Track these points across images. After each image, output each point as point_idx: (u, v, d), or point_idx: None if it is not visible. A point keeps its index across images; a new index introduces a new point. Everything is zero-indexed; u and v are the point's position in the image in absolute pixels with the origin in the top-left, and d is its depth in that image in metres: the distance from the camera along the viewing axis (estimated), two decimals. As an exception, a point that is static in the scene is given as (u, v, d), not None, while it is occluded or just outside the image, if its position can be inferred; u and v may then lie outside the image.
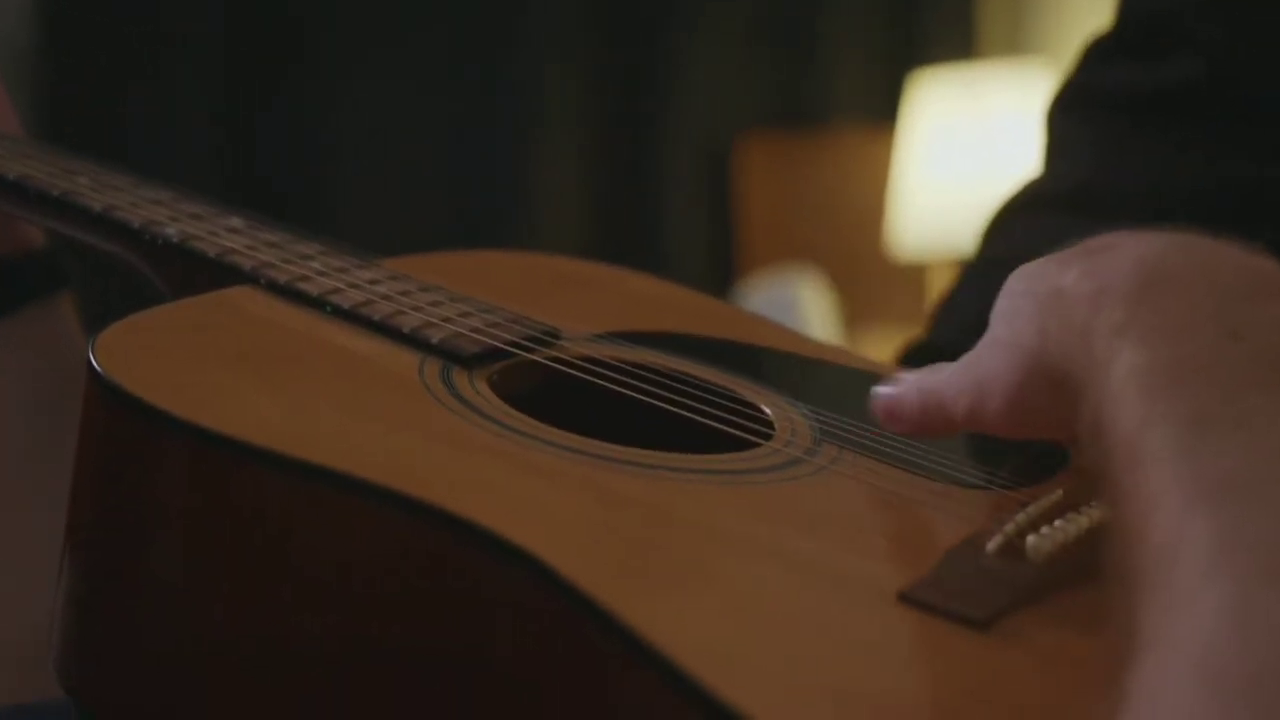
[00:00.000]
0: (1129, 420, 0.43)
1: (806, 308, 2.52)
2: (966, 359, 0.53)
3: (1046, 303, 0.49)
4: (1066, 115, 0.86)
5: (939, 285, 2.79)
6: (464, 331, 0.59)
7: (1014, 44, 3.01)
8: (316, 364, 0.57)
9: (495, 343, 0.59)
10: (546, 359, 0.59)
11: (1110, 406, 0.44)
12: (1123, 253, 0.48)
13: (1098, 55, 0.86)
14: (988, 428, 0.52)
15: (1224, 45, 0.82)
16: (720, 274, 2.82)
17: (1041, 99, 2.90)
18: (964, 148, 2.66)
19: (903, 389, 0.55)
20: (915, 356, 0.84)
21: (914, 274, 2.82)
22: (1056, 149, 0.86)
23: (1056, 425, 0.50)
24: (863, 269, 2.82)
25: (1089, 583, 0.46)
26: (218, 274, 0.63)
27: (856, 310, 2.75)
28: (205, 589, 0.50)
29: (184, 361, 0.55)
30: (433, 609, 0.47)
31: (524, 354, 0.59)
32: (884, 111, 2.95)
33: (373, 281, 0.62)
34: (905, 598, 0.46)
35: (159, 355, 0.55)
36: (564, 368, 0.59)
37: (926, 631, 0.45)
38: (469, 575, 0.46)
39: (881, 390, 0.55)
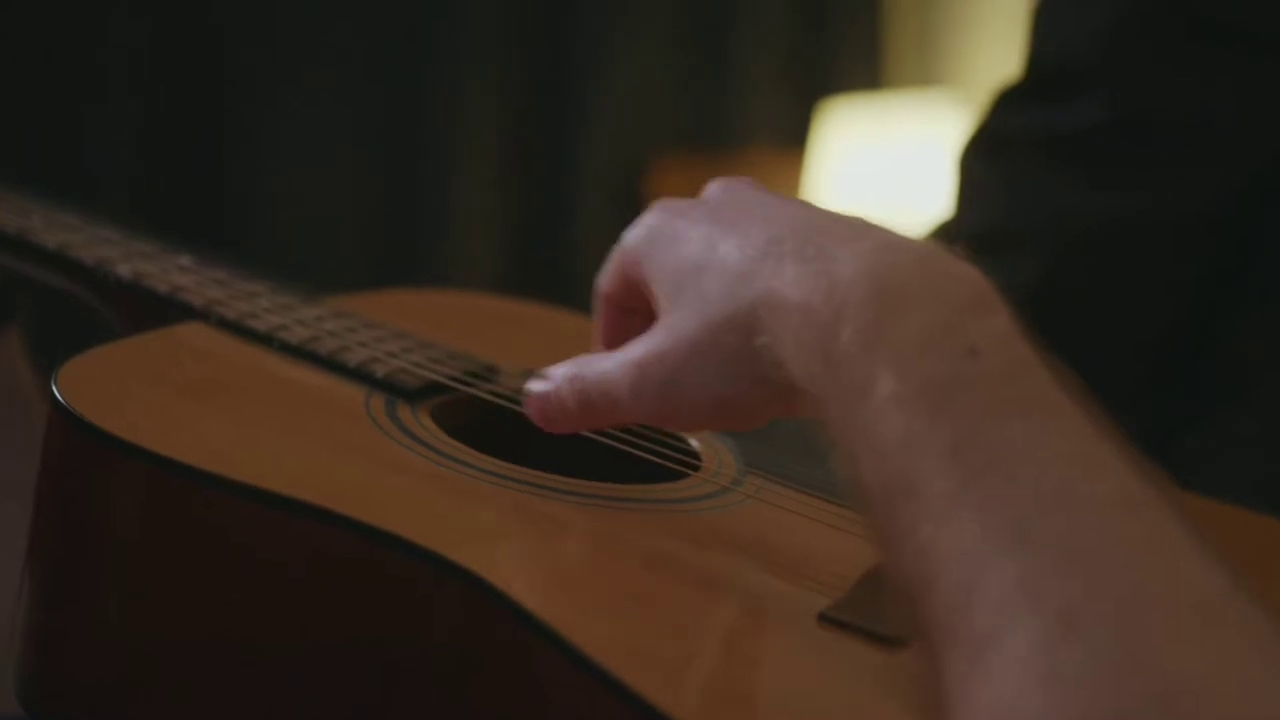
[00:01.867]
0: (886, 452, 0.42)
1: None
2: (642, 342, 0.52)
3: (766, 315, 0.48)
4: (977, 158, 0.90)
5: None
6: (407, 366, 0.62)
7: (921, 75, 3.07)
8: (266, 396, 0.60)
9: (437, 377, 0.62)
10: (486, 393, 0.63)
11: (864, 435, 0.43)
12: (845, 264, 0.46)
13: (1007, 101, 0.90)
14: (644, 410, 0.53)
15: (1124, 91, 0.87)
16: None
17: (949, 130, 2.97)
18: (872, 175, 2.72)
19: (555, 386, 0.54)
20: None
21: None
22: (968, 190, 0.91)
23: (717, 410, 0.51)
24: (773, 293, 2.87)
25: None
26: (169, 310, 0.66)
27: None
28: (161, 608, 0.53)
29: (140, 393, 0.58)
30: (378, 626, 0.50)
31: (464, 389, 0.63)
32: (794, 137, 3.00)
33: (318, 319, 0.65)
34: (824, 617, 0.50)
35: (117, 387, 0.57)
36: (503, 402, 0.62)
37: (842, 648, 0.49)
38: (410, 593, 0.49)
39: (533, 387, 0.55)
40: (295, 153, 2.70)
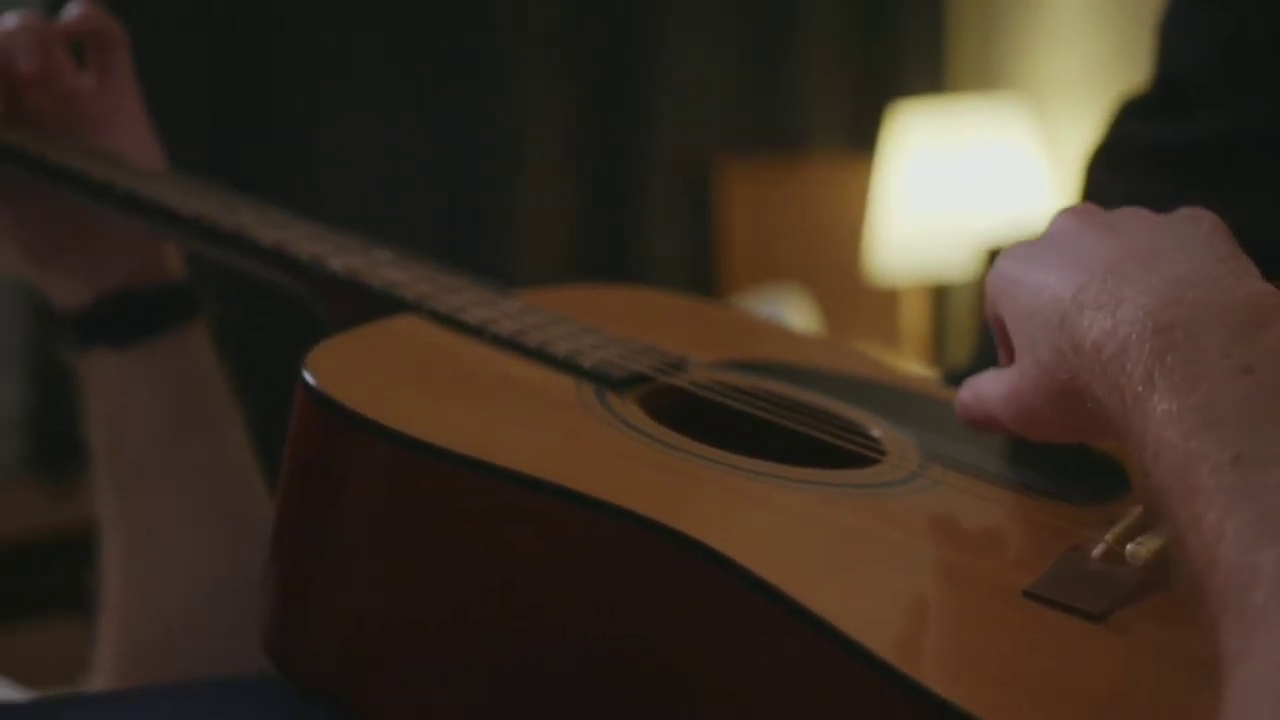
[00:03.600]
0: (1173, 462, 0.49)
1: (791, 325, 2.61)
2: (1009, 375, 0.60)
3: (1074, 358, 0.55)
4: (1101, 167, 0.94)
5: (912, 308, 2.88)
6: (610, 358, 0.67)
7: (984, 79, 3.11)
8: (486, 384, 0.65)
9: (639, 369, 0.67)
10: (686, 384, 0.67)
11: (1153, 450, 0.50)
12: (1129, 305, 0.53)
13: (1130, 112, 0.94)
14: (1017, 430, 0.61)
15: (1241, 107, 0.91)
16: (700, 294, 2.89)
17: (1012, 133, 3.00)
18: (938, 178, 2.75)
19: (965, 394, 0.63)
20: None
21: (889, 297, 2.91)
22: (1091, 198, 0.94)
23: (1070, 434, 0.60)
24: (839, 291, 2.91)
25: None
26: (377, 302, 0.70)
27: (833, 330, 2.84)
28: (402, 577, 0.57)
29: (381, 378, 0.62)
30: (614, 605, 0.54)
31: (665, 379, 0.67)
32: (857, 140, 3.03)
33: (520, 312, 0.70)
34: (1029, 594, 0.54)
35: (360, 373, 0.62)
36: (701, 392, 0.67)
37: (1052, 623, 0.53)
38: (649, 572, 0.54)
39: (959, 393, 0.64)
40: (358, 149, 2.72)
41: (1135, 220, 0.58)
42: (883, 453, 0.65)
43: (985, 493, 0.62)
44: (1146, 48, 0.97)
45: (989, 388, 0.62)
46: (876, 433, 0.67)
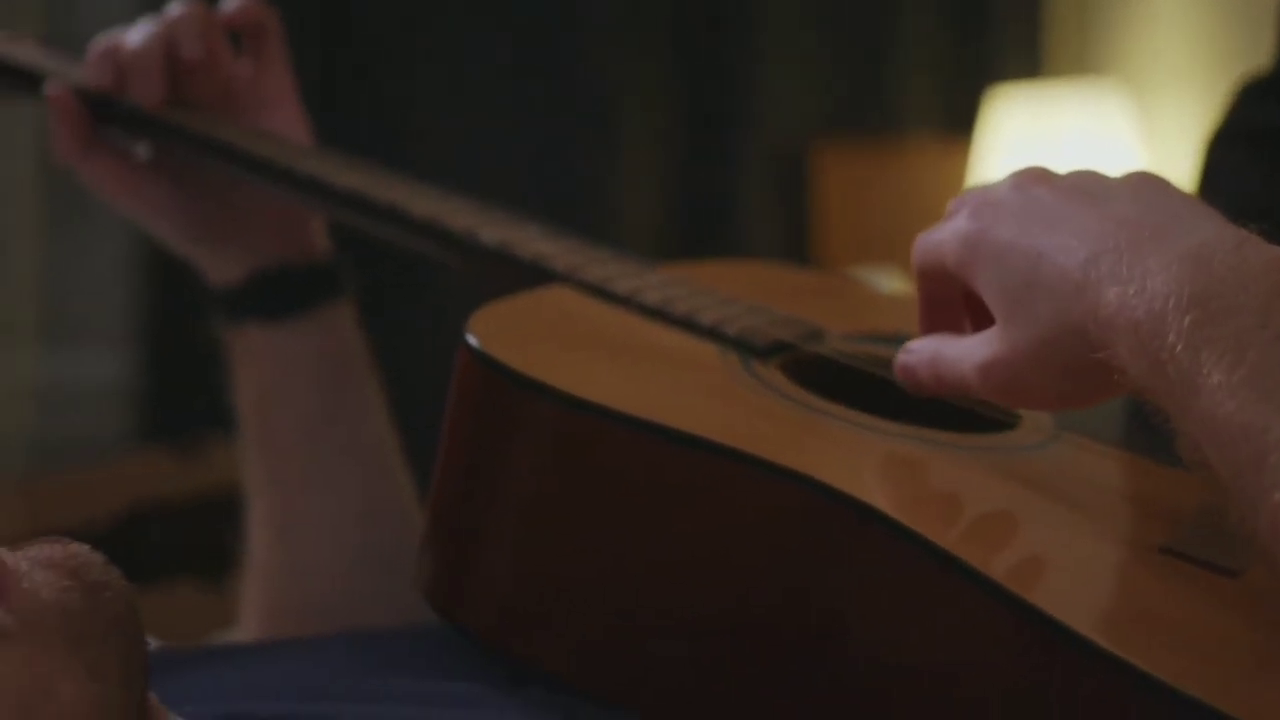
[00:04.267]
0: (1232, 436, 0.48)
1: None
2: (987, 343, 0.58)
3: (1099, 334, 0.53)
4: (1221, 147, 0.96)
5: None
6: (755, 326, 0.69)
7: (1082, 64, 3.10)
8: (637, 350, 0.68)
9: (782, 337, 0.69)
10: (830, 353, 0.70)
11: (1208, 424, 0.50)
12: (1157, 276, 0.52)
13: (1254, 93, 0.96)
14: (993, 399, 0.60)
15: None
16: (796, 277, 2.90)
17: (1112, 119, 2.98)
18: (1034, 164, 2.75)
19: (916, 362, 0.62)
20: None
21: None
22: (1211, 177, 0.96)
23: (1059, 403, 0.59)
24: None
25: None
26: (527, 274, 0.73)
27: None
28: (564, 534, 0.60)
29: (539, 343, 0.65)
30: (768, 557, 0.57)
31: (806, 348, 0.70)
32: (954, 124, 3.03)
33: (663, 283, 0.73)
34: (1166, 550, 0.56)
35: (520, 337, 0.65)
36: (844, 360, 0.69)
37: (1190, 577, 0.55)
38: (812, 529, 0.56)
39: (901, 359, 0.63)
40: (455, 133, 2.74)
41: (1105, 187, 0.57)
42: (1018, 418, 0.67)
43: (1120, 457, 0.65)
44: (1247, 33, 0.99)
45: (956, 355, 0.60)
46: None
